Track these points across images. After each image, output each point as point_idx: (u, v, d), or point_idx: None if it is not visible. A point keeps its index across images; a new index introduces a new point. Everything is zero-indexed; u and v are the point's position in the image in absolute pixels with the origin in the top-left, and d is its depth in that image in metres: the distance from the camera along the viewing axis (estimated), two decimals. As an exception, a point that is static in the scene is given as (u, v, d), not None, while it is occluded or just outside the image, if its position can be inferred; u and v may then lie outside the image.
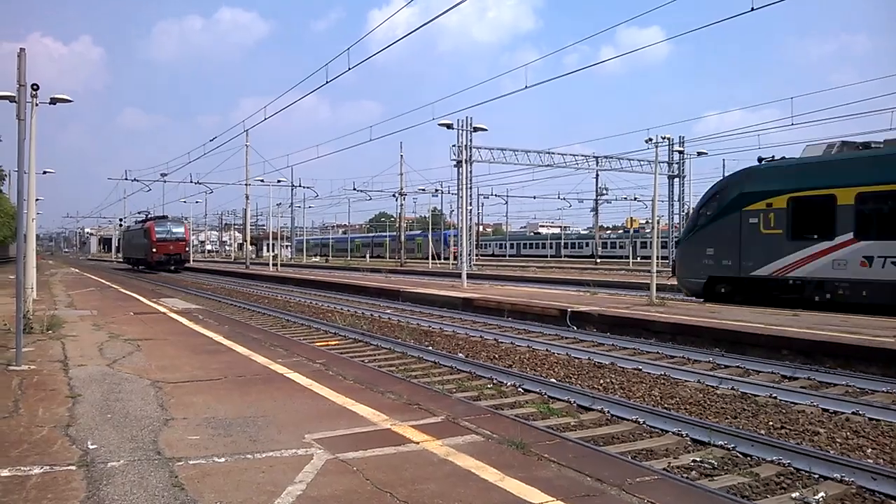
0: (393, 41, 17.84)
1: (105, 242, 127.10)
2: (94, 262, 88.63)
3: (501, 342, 13.89)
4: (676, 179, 48.15)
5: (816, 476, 5.97)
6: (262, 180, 54.62)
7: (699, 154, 41.79)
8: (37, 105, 15.75)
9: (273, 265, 49.04)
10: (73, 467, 4.98)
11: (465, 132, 36.95)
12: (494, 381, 10.03)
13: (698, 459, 6.45)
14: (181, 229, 55.83)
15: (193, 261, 70.62)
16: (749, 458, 6.49)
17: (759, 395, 9.02)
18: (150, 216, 62.68)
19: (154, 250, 52.45)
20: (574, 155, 45.94)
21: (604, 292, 23.77)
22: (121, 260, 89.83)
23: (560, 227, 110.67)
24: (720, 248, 18.61)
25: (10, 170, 45.61)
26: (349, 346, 13.84)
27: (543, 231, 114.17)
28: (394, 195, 63.85)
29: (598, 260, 63.41)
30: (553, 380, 10.19)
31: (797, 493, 5.58)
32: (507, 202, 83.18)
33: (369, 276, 35.56)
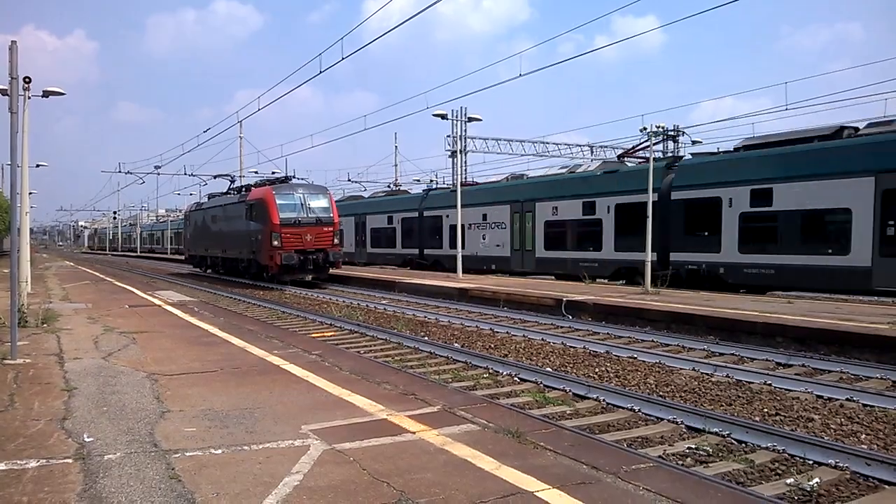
0: (387, 30, 17.72)
1: (99, 236, 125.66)
2: (89, 256, 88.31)
3: (497, 332, 13.91)
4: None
5: (811, 462, 6.01)
6: (256, 171, 53.76)
7: (694, 143, 41.68)
8: (29, 98, 15.68)
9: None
10: (70, 460, 4.98)
11: (459, 122, 36.92)
12: (490, 371, 10.06)
13: (693, 447, 6.48)
14: (325, 202, 28.24)
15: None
16: (744, 445, 6.53)
17: (753, 383, 9.06)
18: (241, 182, 36.77)
19: (275, 243, 26.35)
20: (569, 144, 45.89)
21: (599, 281, 23.81)
22: (116, 252, 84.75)
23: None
24: None
25: (2, 163, 45.19)
26: (345, 337, 13.84)
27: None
28: (388, 186, 63.79)
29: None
30: (549, 369, 10.22)
31: (792, 480, 5.61)
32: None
33: (364, 267, 35.52)
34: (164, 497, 4.28)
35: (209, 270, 36.99)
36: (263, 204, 27.31)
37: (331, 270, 27.70)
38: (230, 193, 34.47)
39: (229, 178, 37.57)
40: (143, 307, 16.61)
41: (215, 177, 39.72)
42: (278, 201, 26.95)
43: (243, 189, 32.86)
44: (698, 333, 12.84)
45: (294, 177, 30.87)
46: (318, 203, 27.87)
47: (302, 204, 27.27)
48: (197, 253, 38.88)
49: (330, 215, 27.72)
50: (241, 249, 30.00)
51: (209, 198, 38.41)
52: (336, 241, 27.70)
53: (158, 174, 55.77)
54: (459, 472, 4.70)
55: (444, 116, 30.17)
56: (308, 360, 9.05)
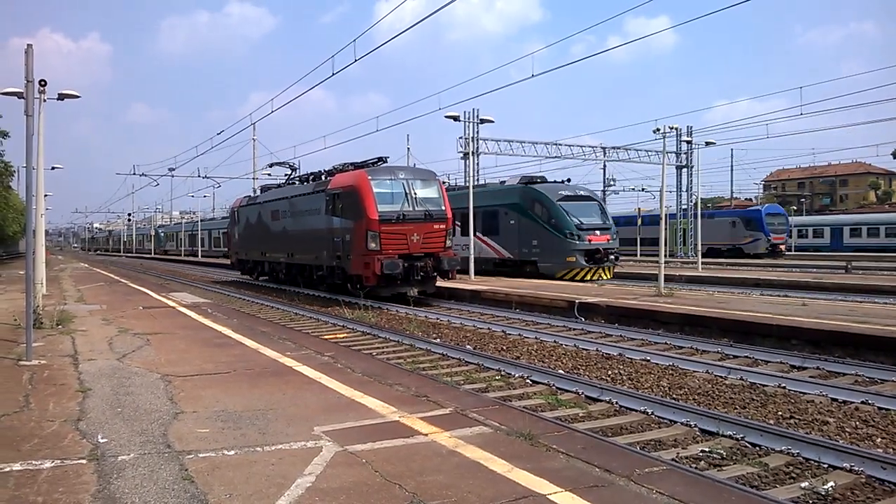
0: (399, 32, 17.58)
1: (114, 238, 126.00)
2: (103, 257, 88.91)
3: (509, 334, 13.88)
4: (685, 170, 47.92)
5: (825, 465, 5.96)
6: (269, 174, 53.94)
7: (707, 144, 41.49)
8: (44, 101, 15.77)
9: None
10: (84, 461, 5.02)
11: (471, 124, 36.90)
12: (502, 373, 10.04)
13: (707, 450, 6.44)
14: (434, 191, 21.44)
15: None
16: (758, 448, 6.48)
17: (767, 385, 8.99)
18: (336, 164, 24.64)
19: (372, 246, 19.56)
20: (581, 146, 45.74)
21: (611, 283, 23.75)
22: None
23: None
24: None
25: (18, 166, 45.50)
26: (357, 338, 13.87)
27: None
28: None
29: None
30: (561, 371, 10.20)
31: (806, 483, 5.57)
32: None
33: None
34: (177, 498, 4.30)
35: (264, 278, 30.32)
36: (355, 193, 20.25)
37: (439, 282, 21.20)
38: (294, 183, 27.59)
39: (289, 165, 30.34)
40: (157, 308, 16.72)
41: (270, 165, 33.41)
42: (376, 190, 19.88)
43: (314, 176, 25.61)
44: (712, 336, 12.75)
45: (384, 158, 22.88)
46: (427, 192, 20.86)
47: (406, 193, 20.26)
48: (249, 257, 31.56)
49: (442, 209, 20.72)
50: (318, 254, 23.08)
51: (262, 190, 31.76)
52: (449, 242, 20.84)
53: (172, 176, 55.84)
54: (472, 475, 4.69)
55: (456, 118, 30.14)
56: (321, 362, 9.08)
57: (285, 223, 26.24)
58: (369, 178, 20.19)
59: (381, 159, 22.51)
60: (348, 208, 20.66)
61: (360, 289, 20.32)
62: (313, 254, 23.53)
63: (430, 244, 20.19)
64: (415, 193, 20.33)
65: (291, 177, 28.89)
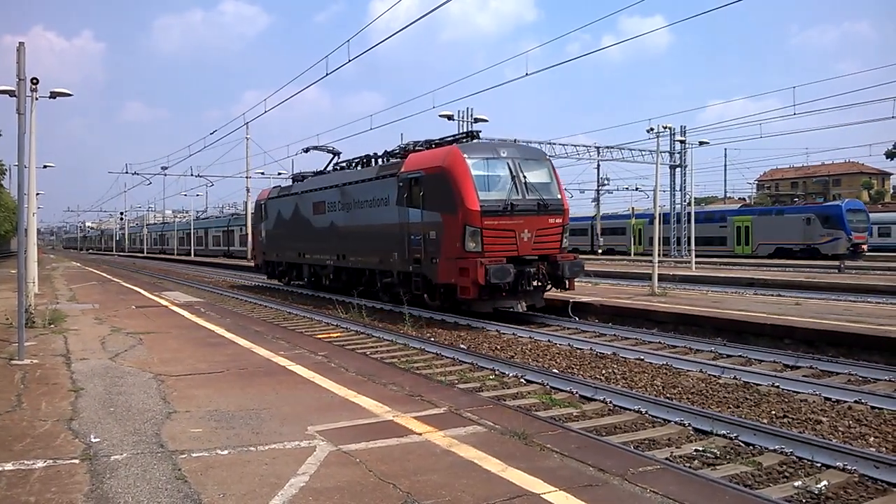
0: (393, 32, 17.37)
1: (106, 236, 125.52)
2: (95, 256, 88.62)
3: (503, 333, 13.88)
4: (678, 169, 48.04)
5: (819, 465, 5.97)
6: (262, 172, 53.47)
7: (701, 143, 41.59)
8: (36, 99, 15.72)
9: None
10: (77, 461, 5.00)
11: (465, 123, 36.90)
12: (496, 373, 10.03)
13: (700, 449, 6.45)
14: (545, 174, 16.10)
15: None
16: (751, 448, 6.49)
17: (761, 385, 9.01)
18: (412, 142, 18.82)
19: (471, 246, 14.50)
20: (575, 145, 45.81)
21: (605, 282, 23.78)
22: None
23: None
24: None
25: (10, 164, 45.28)
26: (351, 337, 13.84)
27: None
28: (395, 186, 63.32)
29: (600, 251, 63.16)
30: (555, 370, 10.20)
31: (799, 482, 5.58)
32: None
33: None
34: (170, 498, 4.29)
35: (298, 283, 25.97)
36: (445, 176, 15.32)
37: (549, 292, 16.26)
38: (342, 168, 22.63)
39: (329, 150, 24.50)
40: (150, 308, 16.66)
41: (306, 150, 26.62)
42: (474, 172, 15.06)
43: (367, 159, 20.88)
44: (706, 335, 12.78)
45: (475, 133, 18.30)
46: (539, 176, 15.97)
47: (513, 176, 15.44)
48: (281, 259, 26.48)
49: (557, 197, 16.00)
50: (384, 256, 18.10)
51: (294, 179, 26.18)
52: (566, 242, 16.10)
53: (165, 175, 55.70)
54: (466, 474, 4.69)
55: (450, 117, 30.15)
56: (314, 361, 9.06)
57: (334, 217, 21.26)
58: (465, 156, 15.36)
59: (471, 134, 17.86)
60: (434, 196, 15.79)
61: (446, 303, 16.30)
62: (377, 256, 18.65)
63: (544, 243, 15.52)
64: (524, 177, 15.52)
65: (338, 162, 23.42)
